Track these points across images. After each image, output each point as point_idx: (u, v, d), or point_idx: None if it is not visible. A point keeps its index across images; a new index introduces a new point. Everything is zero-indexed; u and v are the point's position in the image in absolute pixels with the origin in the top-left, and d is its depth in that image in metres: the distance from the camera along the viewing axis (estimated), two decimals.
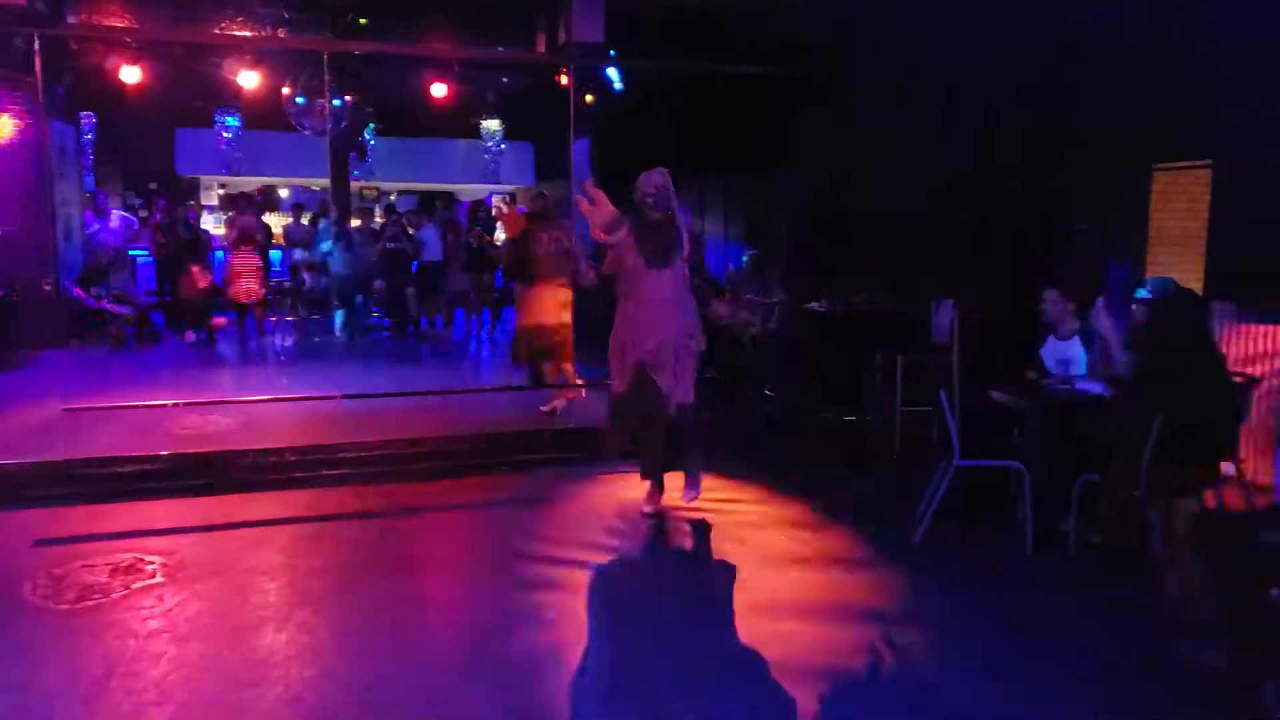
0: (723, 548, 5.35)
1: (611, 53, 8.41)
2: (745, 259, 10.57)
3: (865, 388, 8.04)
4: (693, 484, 5.83)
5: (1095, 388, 5.37)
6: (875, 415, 7.85)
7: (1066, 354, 5.84)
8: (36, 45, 7.48)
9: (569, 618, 4.44)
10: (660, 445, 5.63)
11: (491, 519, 6.02)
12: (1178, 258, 7.42)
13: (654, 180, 5.34)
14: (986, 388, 5.81)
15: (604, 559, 5.25)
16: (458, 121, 15.88)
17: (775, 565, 5.08)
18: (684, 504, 5.80)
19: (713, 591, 4.79)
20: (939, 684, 3.81)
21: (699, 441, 5.80)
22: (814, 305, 8.17)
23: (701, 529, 5.66)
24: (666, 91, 10.39)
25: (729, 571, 5.00)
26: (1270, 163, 6.94)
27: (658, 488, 5.85)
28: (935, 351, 7.38)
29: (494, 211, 13.31)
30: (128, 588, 4.66)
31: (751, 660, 3.98)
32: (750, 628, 4.29)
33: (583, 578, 4.92)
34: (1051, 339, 5.97)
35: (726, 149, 9.39)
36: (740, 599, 4.64)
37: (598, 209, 5.33)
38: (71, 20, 8.47)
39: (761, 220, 8.97)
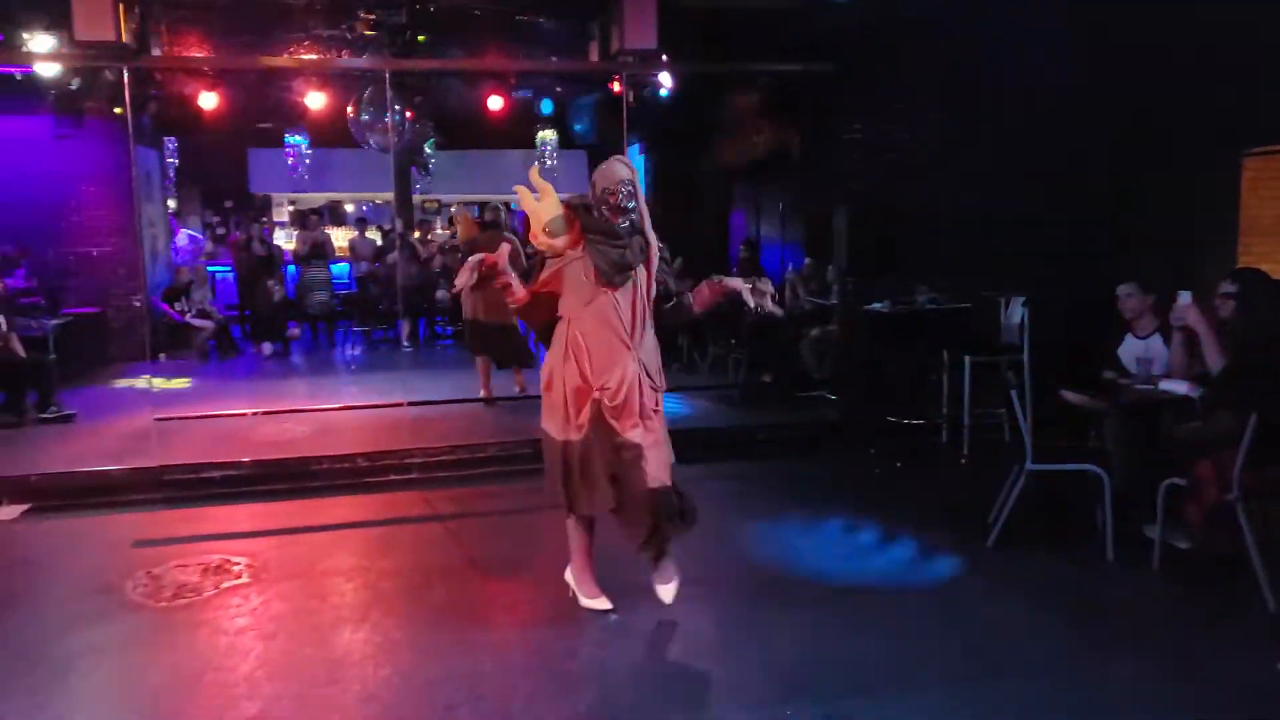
0: (789, 558, 5.26)
1: (664, 58, 8.42)
2: (805, 262, 10.53)
3: (931, 390, 7.83)
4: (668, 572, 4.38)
5: (1180, 387, 5.12)
6: (942, 418, 7.73)
7: (1146, 352, 5.60)
8: (126, 78, 7.83)
9: (634, 623, 4.37)
10: (646, 516, 4.17)
11: (556, 522, 6.02)
12: (1271, 247, 7.01)
13: (619, 173, 4.07)
14: (1060, 388, 5.63)
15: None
16: (515, 132, 16.03)
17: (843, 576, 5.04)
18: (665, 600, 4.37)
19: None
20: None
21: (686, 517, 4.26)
22: (876, 306, 8.05)
23: (755, 535, 5.62)
24: (718, 95, 10.34)
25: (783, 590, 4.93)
26: None
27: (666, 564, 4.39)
28: (1005, 352, 7.27)
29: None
30: (217, 587, 4.82)
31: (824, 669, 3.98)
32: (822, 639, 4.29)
33: (645, 586, 4.86)
34: (1129, 336, 5.77)
35: (780, 150, 9.36)
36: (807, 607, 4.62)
37: (543, 204, 4.07)
38: (156, 52, 8.89)
39: (818, 222, 8.86)
